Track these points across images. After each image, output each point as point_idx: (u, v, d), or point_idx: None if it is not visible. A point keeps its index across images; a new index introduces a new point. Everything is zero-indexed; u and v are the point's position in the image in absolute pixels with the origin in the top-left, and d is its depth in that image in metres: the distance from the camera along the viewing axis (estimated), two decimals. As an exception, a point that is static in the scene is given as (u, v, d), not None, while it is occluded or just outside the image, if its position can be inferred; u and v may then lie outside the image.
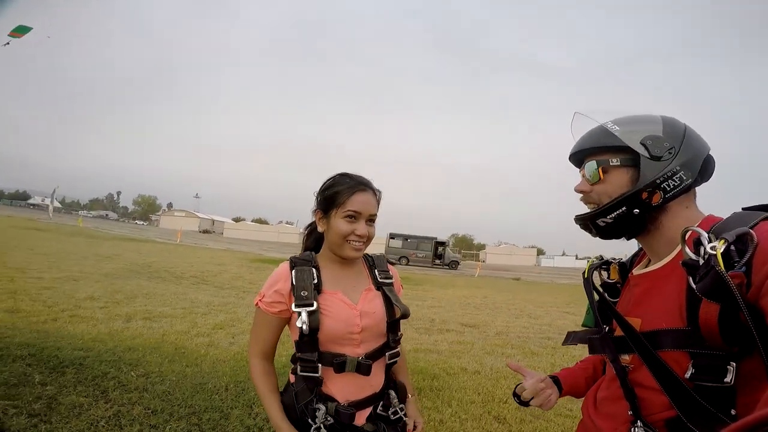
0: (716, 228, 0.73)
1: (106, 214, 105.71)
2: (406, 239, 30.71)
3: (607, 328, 0.92)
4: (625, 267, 1.01)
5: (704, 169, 0.85)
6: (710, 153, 0.85)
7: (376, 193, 1.21)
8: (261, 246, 36.12)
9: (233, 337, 4.74)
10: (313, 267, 1.16)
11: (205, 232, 71.14)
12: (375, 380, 1.18)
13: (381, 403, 1.18)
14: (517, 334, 6.48)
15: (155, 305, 6.05)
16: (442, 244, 31.14)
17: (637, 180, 0.84)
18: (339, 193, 1.15)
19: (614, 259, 1.04)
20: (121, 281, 7.88)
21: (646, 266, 0.91)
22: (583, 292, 0.97)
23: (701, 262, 0.68)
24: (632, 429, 0.80)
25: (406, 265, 28.64)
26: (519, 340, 6.10)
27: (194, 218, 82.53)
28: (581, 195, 0.94)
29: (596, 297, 0.97)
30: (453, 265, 30.39)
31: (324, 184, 1.21)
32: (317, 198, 1.22)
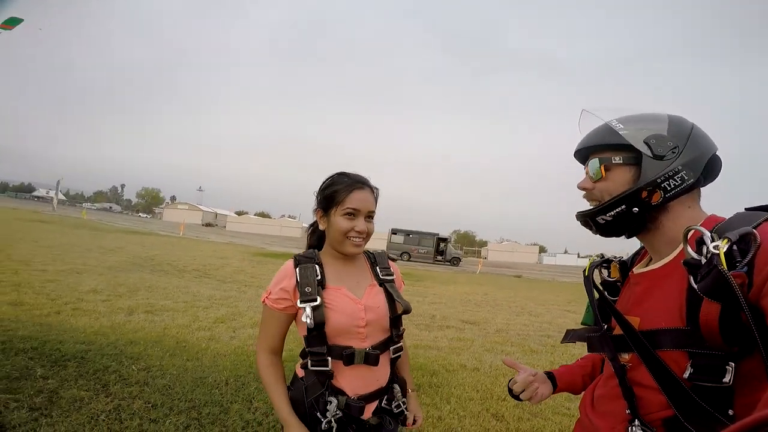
0: (719, 228, 0.73)
1: (110, 207, 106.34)
2: (408, 235, 30.66)
3: (606, 327, 0.92)
4: (625, 265, 1.01)
5: (709, 169, 0.84)
6: (717, 153, 0.84)
7: (373, 191, 1.25)
8: (263, 240, 36.23)
9: (234, 331, 4.77)
10: (317, 264, 1.19)
11: (208, 225, 71.44)
12: (381, 374, 1.22)
13: (386, 396, 1.22)
14: (517, 332, 6.48)
15: (157, 298, 6.08)
16: (444, 240, 31.07)
17: (638, 179, 0.83)
18: (338, 191, 1.19)
19: (615, 257, 1.04)
20: (124, 274, 7.92)
21: (647, 265, 0.91)
22: (584, 291, 0.97)
23: (703, 261, 0.68)
24: (630, 428, 0.80)
25: (408, 260, 28.66)
26: (519, 337, 6.10)
27: (197, 211, 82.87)
28: (584, 192, 0.94)
29: (596, 295, 0.96)
30: (455, 261, 30.35)
31: (323, 183, 1.25)
32: (317, 197, 1.26)
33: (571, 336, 1.06)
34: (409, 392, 1.31)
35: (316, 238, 1.32)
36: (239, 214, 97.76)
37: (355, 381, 1.17)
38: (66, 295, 5.62)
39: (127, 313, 5.03)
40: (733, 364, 0.68)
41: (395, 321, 1.24)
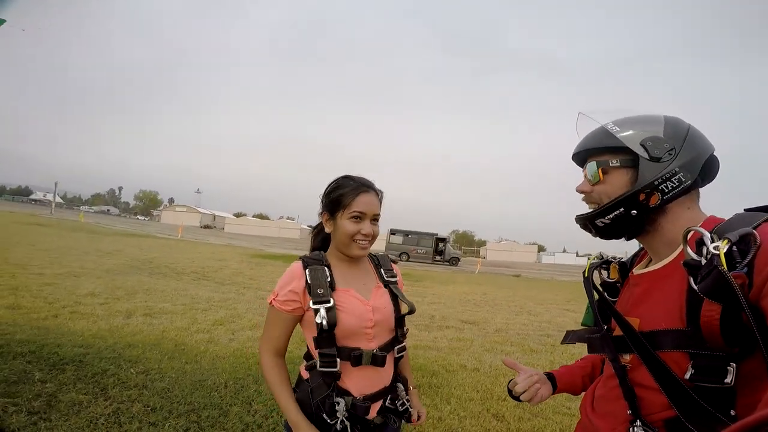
0: (718, 229, 0.72)
1: (108, 210, 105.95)
2: (407, 235, 30.67)
3: (606, 328, 0.92)
4: (625, 266, 1.01)
5: (707, 170, 0.83)
6: (714, 154, 0.84)
7: (378, 194, 1.27)
8: (262, 241, 36.19)
9: (233, 333, 4.75)
10: (325, 266, 1.20)
11: (207, 227, 71.34)
12: (386, 374, 1.24)
13: (390, 396, 1.24)
14: (516, 332, 6.48)
15: (156, 301, 6.07)
16: (443, 240, 31.07)
17: (636, 181, 0.83)
18: (344, 195, 1.21)
19: (614, 258, 1.04)
20: (122, 277, 7.90)
21: (647, 266, 0.91)
22: (583, 290, 0.98)
23: (703, 262, 0.68)
24: (631, 428, 0.80)
25: (407, 261, 28.66)
26: (518, 337, 6.10)
27: (195, 213, 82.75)
28: (583, 195, 0.94)
29: (596, 296, 0.96)
30: (453, 261, 30.35)
31: (328, 187, 1.27)
32: (323, 201, 1.27)
33: (571, 337, 1.06)
34: (411, 389, 1.34)
35: (321, 240, 1.33)
36: (237, 215, 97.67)
37: (361, 381, 1.18)
38: (64, 298, 5.60)
39: (125, 316, 5.02)
40: (734, 364, 0.67)
41: (400, 321, 1.27)
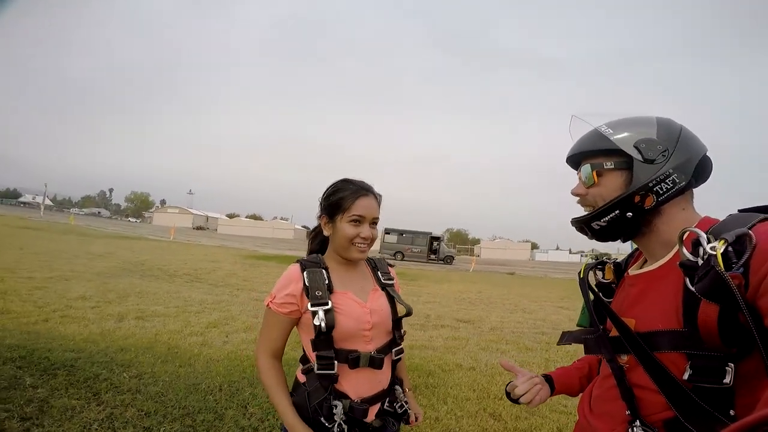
0: (714, 229, 0.73)
1: (98, 212, 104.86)
2: (401, 234, 30.70)
3: (602, 328, 0.92)
4: (620, 267, 1.01)
5: (700, 170, 0.84)
6: (707, 154, 0.85)
7: (377, 197, 1.28)
8: (255, 242, 36.00)
9: (227, 335, 4.72)
10: (323, 269, 1.21)
11: (199, 228, 70.81)
12: (384, 377, 1.24)
13: (388, 398, 1.24)
14: (511, 330, 6.51)
15: (148, 304, 6.00)
16: (437, 239, 31.15)
17: (630, 183, 0.83)
18: (343, 198, 1.21)
19: (609, 258, 1.05)
20: (114, 280, 7.81)
21: (641, 266, 0.91)
22: (577, 287, 0.98)
23: (700, 262, 0.68)
24: (630, 429, 0.80)
25: (402, 260, 28.70)
26: (513, 335, 6.13)
27: (188, 215, 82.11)
28: (578, 198, 0.94)
29: (591, 297, 0.96)
30: (448, 260, 30.46)
31: (327, 190, 1.27)
32: (321, 204, 1.27)
33: (567, 338, 1.06)
34: (407, 391, 1.34)
35: (318, 243, 1.34)
36: (231, 216, 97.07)
37: (358, 384, 1.19)
38: (54, 302, 5.52)
39: (117, 320, 4.96)
40: (732, 364, 0.68)
41: (397, 323, 1.28)
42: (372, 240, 1.24)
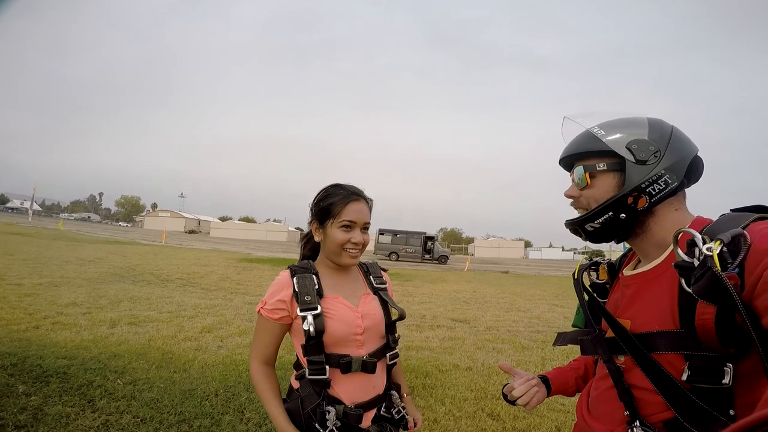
0: (708, 229, 0.73)
1: (88, 216, 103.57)
2: (396, 235, 30.73)
3: (598, 329, 0.93)
4: (613, 267, 1.02)
5: (692, 171, 0.85)
6: (698, 154, 0.85)
7: (368, 202, 1.27)
8: (248, 245, 35.73)
9: (222, 340, 4.68)
10: (313, 274, 1.20)
11: (192, 232, 70.20)
12: (378, 382, 1.23)
13: (384, 404, 1.23)
14: (507, 329, 6.54)
15: (140, 309, 5.94)
16: (432, 238, 31.19)
17: (623, 185, 0.84)
18: (334, 204, 1.20)
19: (603, 258, 1.05)
20: (105, 285, 7.71)
21: (635, 267, 0.92)
22: (571, 285, 0.98)
23: (696, 263, 0.68)
24: (630, 430, 0.80)
25: (396, 260, 28.70)
26: (509, 334, 6.15)
27: (180, 218, 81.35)
28: (571, 200, 0.94)
29: (586, 298, 0.97)
30: (442, 259, 30.51)
31: (318, 195, 1.27)
32: (312, 209, 1.26)
33: (563, 339, 1.07)
34: (405, 396, 1.33)
35: (310, 248, 1.33)
36: (223, 219, 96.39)
37: (352, 389, 1.17)
38: (44, 309, 5.44)
39: (109, 326, 4.90)
40: (731, 365, 0.68)
41: (390, 327, 1.26)
42: (363, 245, 1.23)
